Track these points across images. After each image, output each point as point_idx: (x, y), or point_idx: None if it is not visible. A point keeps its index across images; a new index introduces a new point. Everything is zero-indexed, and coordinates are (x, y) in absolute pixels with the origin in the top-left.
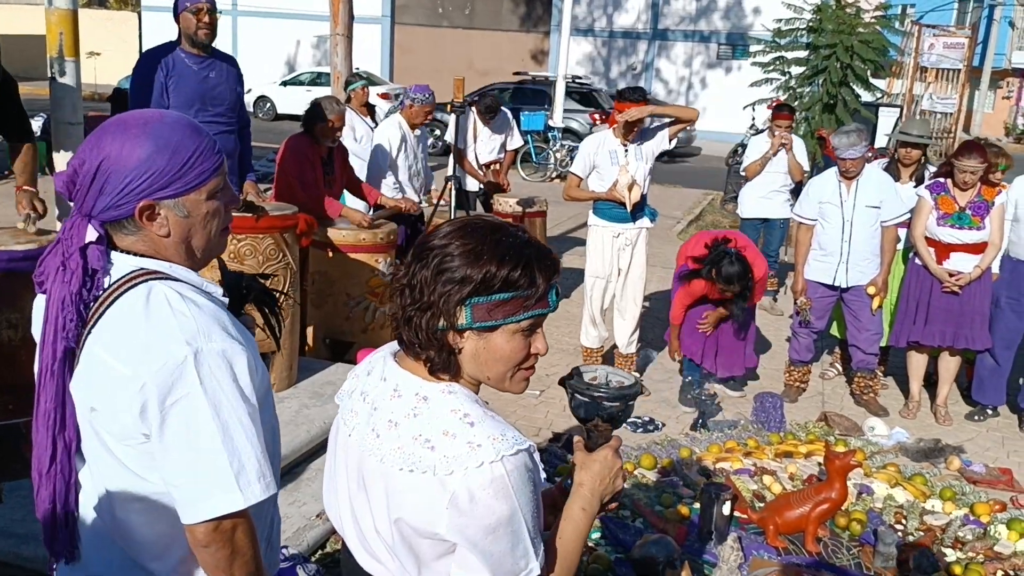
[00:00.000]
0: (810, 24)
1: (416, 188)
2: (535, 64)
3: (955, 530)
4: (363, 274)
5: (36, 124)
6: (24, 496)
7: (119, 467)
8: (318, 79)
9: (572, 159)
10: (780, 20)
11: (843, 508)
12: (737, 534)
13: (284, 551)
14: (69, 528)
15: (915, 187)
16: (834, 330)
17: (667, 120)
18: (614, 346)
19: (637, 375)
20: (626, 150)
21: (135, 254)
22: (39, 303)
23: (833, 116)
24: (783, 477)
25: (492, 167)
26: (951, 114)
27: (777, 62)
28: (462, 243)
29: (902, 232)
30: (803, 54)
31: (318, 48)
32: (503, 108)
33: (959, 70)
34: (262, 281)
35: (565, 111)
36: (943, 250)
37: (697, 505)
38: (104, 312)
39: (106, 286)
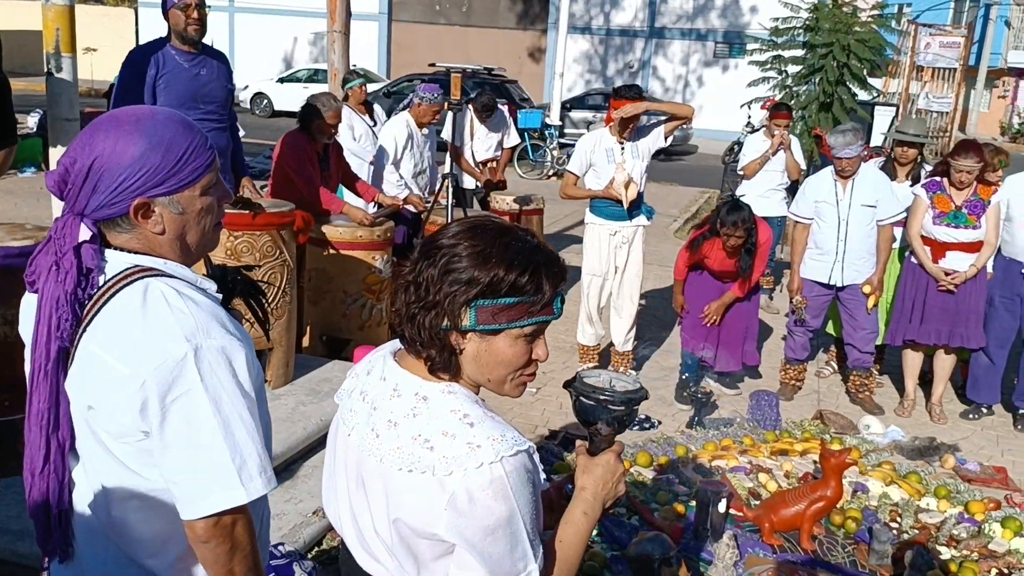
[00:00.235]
0: (807, 23)
1: (421, 186)
2: (532, 62)
3: (950, 528)
4: (360, 271)
5: (32, 120)
6: (19, 492)
7: (116, 464)
8: (315, 76)
9: (568, 157)
10: (777, 19)
11: (838, 506)
12: (733, 532)
13: (280, 548)
14: (63, 527)
15: (911, 186)
16: (830, 328)
17: (663, 118)
18: (611, 344)
19: (639, 381)
20: (622, 148)
21: (129, 251)
22: (29, 302)
23: (829, 115)
24: (779, 475)
25: (489, 165)
26: (947, 113)
27: (774, 61)
28: (471, 244)
29: (898, 231)
30: (800, 53)
31: (315, 45)
32: (500, 106)
33: (955, 69)
34: (246, 273)
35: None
36: (939, 249)
37: (693, 503)
38: (99, 310)
39: (100, 284)
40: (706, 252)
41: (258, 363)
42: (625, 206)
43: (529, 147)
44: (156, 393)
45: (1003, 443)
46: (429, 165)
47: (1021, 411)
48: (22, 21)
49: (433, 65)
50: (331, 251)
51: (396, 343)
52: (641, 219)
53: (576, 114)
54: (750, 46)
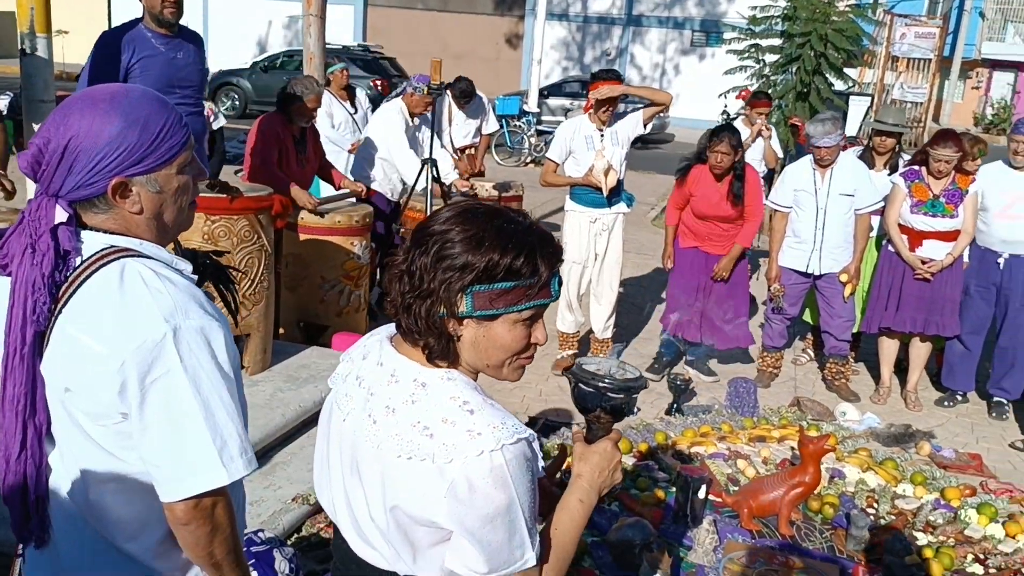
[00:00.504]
0: (785, 12)
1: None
2: (510, 48)
3: (926, 514)
4: (338, 257)
5: (2, 103)
6: None
7: (93, 447)
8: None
9: (546, 144)
10: (755, 7)
11: (816, 492)
12: (712, 517)
13: (260, 535)
14: (39, 513)
15: (889, 175)
16: (807, 316)
17: (641, 104)
18: (590, 331)
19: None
20: (602, 135)
21: (104, 232)
22: (1, 285)
23: (806, 104)
24: (757, 461)
25: (467, 151)
26: (921, 103)
27: (752, 50)
28: (463, 229)
29: (875, 220)
30: (777, 42)
31: (289, 29)
32: (479, 93)
33: (930, 60)
34: (216, 258)
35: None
36: (916, 237)
37: (673, 489)
38: (75, 292)
39: (76, 265)
40: (694, 188)
41: (235, 344)
42: (605, 193)
43: (507, 134)
44: (135, 374)
45: (977, 430)
46: (418, 155)
47: (995, 399)
48: None
49: None
50: (308, 236)
51: (392, 327)
52: (621, 206)
53: (553, 101)
54: (727, 35)
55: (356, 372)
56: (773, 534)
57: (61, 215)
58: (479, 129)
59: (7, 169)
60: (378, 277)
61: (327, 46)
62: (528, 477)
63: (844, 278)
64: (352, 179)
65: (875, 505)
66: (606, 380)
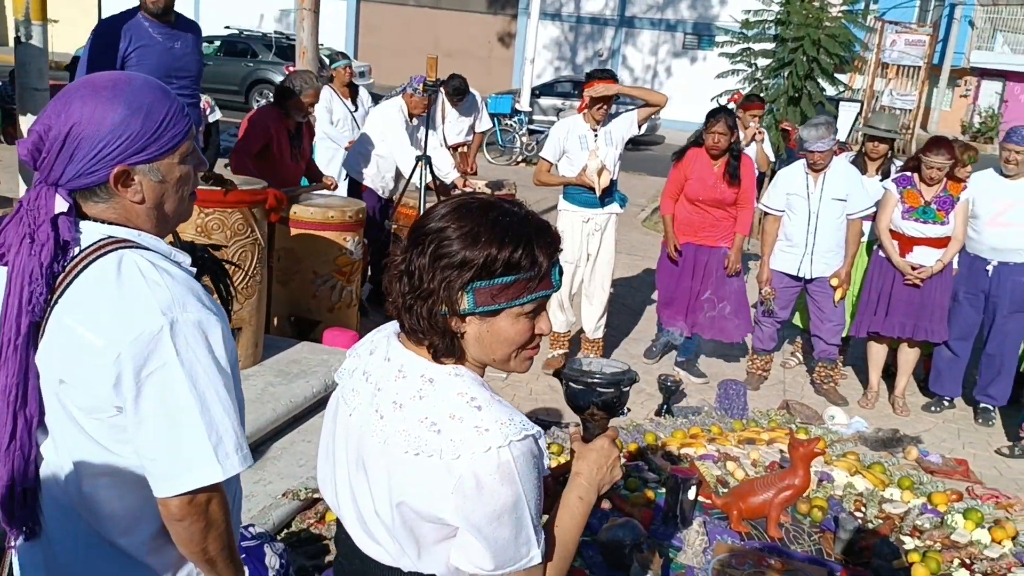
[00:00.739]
0: (778, 16)
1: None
2: (502, 47)
3: (913, 519)
4: (330, 252)
5: None
6: None
7: (87, 440)
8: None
9: (538, 143)
10: (748, 11)
11: (805, 495)
12: (702, 518)
13: (251, 530)
14: (29, 505)
15: (881, 180)
16: (796, 320)
17: (635, 105)
18: (580, 331)
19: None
20: (596, 135)
21: (103, 222)
22: None
23: (798, 109)
24: (746, 463)
25: (460, 149)
26: (910, 110)
27: (744, 53)
28: (458, 225)
29: (866, 225)
30: (770, 46)
31: (280, 22)
32: (472, 90)
33: (919, 67)
34: (214, 252)
35: (264, 63)
36: (907, 243)
37: (663, 490)
38: (72, 282)
39: (73, 255)
40: (690, 170)
41: (232, 339)
42: (598, 193)
43: (499, 132)
44: (131, 367)
45: (964, 436)
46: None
47: (982, 405)
48: None
49: (228, 28)
50: (301, 231)
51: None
52: (614, 206)
53: (545, 101)
54: (719, 38)
55: (363, 367)
56: (762, 536)
57: (61, 204)
58: (472, 127)
59: None
60: (370, 273)
61: (246, 32)
62: (535, 474)
63: (835, 282)
64: (342, 174)
65: (863, 509)
66: (596, 376)
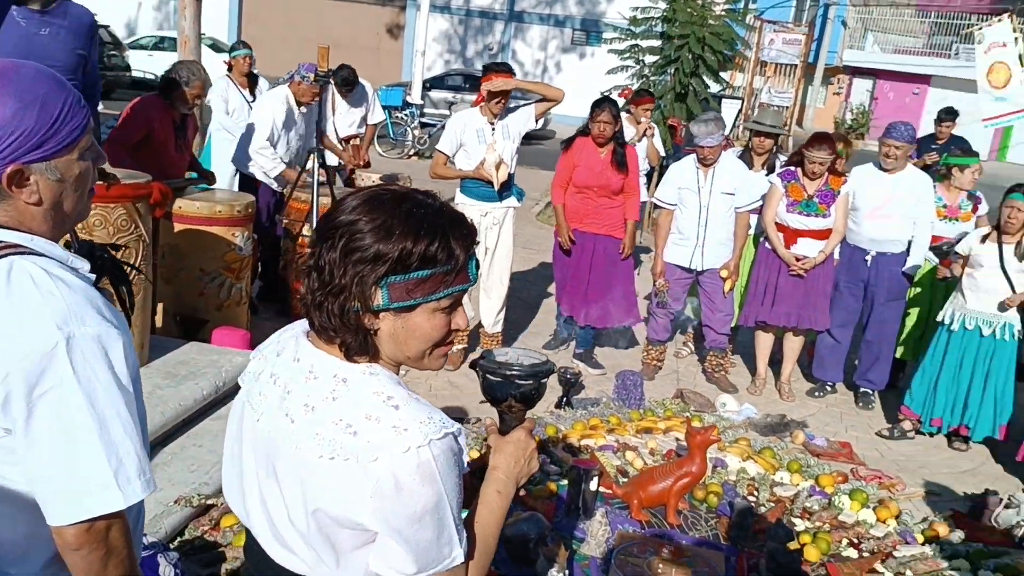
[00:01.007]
0: (664, 14)
1: (293, 166)
2: (391, 38)
3: (803, 501)
4: (218, 248)
5: None
6: None
7: None
8: (161, 43)
9: (430, 137)
10: (636, 9)
11: (701, 481)
12: (604, 509)
13: (144, 539)
14: None
15: (767, 175)
16: (689, 311)
17: (528, 100)
18: (479, 325)
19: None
20: (493, 128)
21: None
22: None
23: (684, 105)
24: (644, 452)
25: (352, 142)
26: (787, 107)
27: (632, 50)
28: (371, 218)
29: (753, 218)
30: (657, 43)
31: (159, 11)
32: (361, 81)
33: (796, 65)
34: (113, 253)
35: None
36: (791, 235)
37: (564, 482)
38: None
39: None
40: (578, 158)
41: (134, 353)
42: (496, 187)
43: (390, 125)
44: (21, 387)
45: (846, 419)
46: (304, 145)
47: (862, 389)
48: None
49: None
50: (187, 227)
51: (306, 321)
52: (511, 200)
53: (436, 94)
54: (607, 35)
55: (270, 369)
56: (662, 524)
57: None
58: (364, 119)
59: None
60: (260, 270)
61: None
62: (456, 472)
63: (724, 274)
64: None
65: (755, 493)
66: (514, 368)
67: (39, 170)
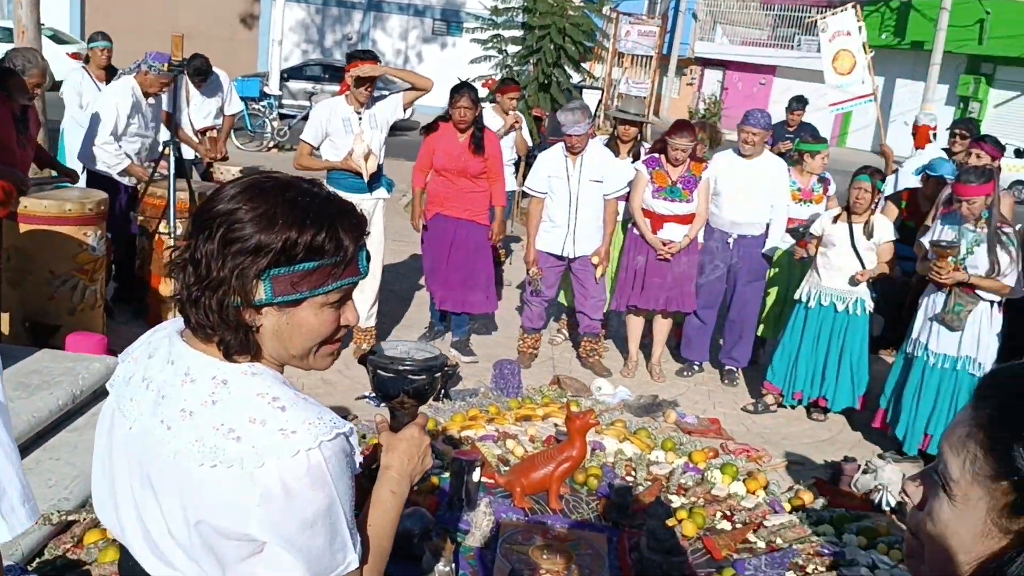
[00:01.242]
0: (525, 4)
1: (142, 160)
2: (245, 28)
3: (678, 478)
4: (69, 249)
5: None
6: None
7: None
8: None
9: (289, 128)
10: None
11: (581, 465)
12: (487, 499)
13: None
14: None
15: (633, 162)
16: (562, 298)
17: (393, 89)
18: None
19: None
20: (360, 118)
21: None
22: None
23: (548, 95)
24: (524, 440)
25: (208, 134)
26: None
27: (494, 40)
28: (252, 207)
29: (622, 205)
30: (519, 33)
31: None
32: (216, 71)
33: (651, 57)
34: None
35: None
36: (658, 221)
37: (446, 474)
38: None
39: None
40: (438, 143)
41: (1, 370)
42: (365, 178)
43: (247, 117)
44: None
45: (714, 396)
46: (153, 137)
47: (727, 367)
48: None
49: None
50: (34, 227)
51: (180, 320)
52: (381, 192)
53: (295, 84)
54: (468, 24)
55: (142, 373)
56: (545, 509)
57: None
58: (220, 110)
59: None
60: (114, 271)
61: None
62: (348, 474)
63: (595, 260)
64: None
65: (633, 473)
66: (407, 363)
67: None
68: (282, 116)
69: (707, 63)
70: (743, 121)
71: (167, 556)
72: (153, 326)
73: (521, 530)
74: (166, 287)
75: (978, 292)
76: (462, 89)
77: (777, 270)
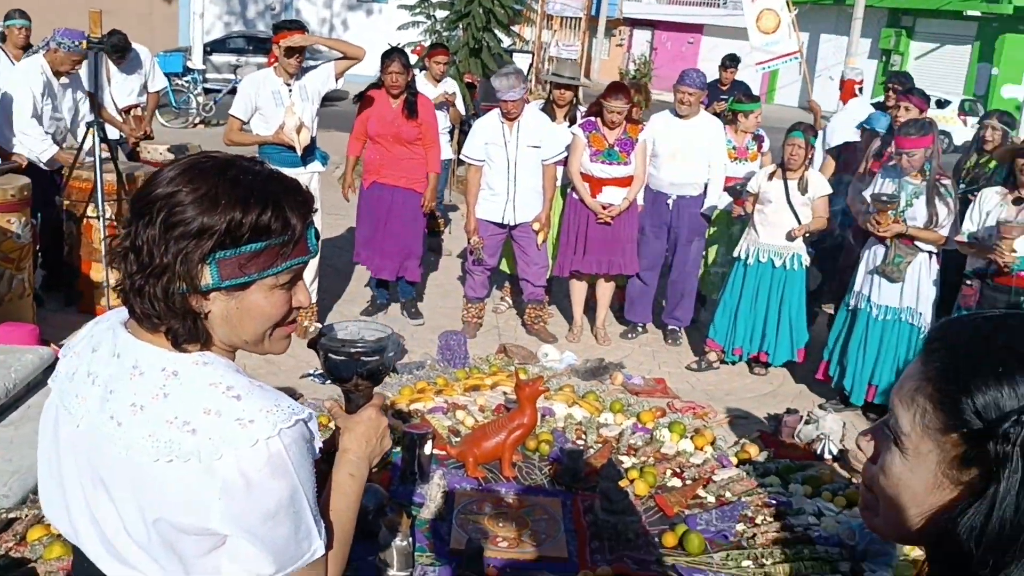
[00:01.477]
0: None
1: (59, 142)
2: (163, 2)
3: (627, 438)
4: None
5: None
6: None
7: None
8: None
9: (215, 103)
10: None
11: (533, 432)
12: (440, 471)
13: None
14: None
15: (570, 126)
16: (504, 266)
17: (323, 60)
18: None
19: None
20: (290, 90)
21: None
22: None
23: (479, 61)
24: (474, 410)
25: (133, 112)
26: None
27: (423, 5)
28: (192, 188)
29: (560, 170)
30: None
31: None
32: (136, 46)
33: (580, 18)
34: None
35: None
36: (596, 184)
37: (398, 449)
38: None
39: None
40: (371, 110)
41: None
42: (299, 152)
43: (171, 93)
44: None
45: (658, 357)
46: (70, 119)
47: (670, 327)
48: None
49: None
50: None
51: (123, 310)
52: (316, 165)
53: (219, 58)
54: None
55: (86, 368)
56: (498, 478)
57: None
58: (144, 87)
59: None
60: (41, 258)
61: None
62: (309, 460)
63: (536, 226)
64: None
65: (583, 436)
66: (359, 344)
67: None
68: (207, 91)
69: (635, 23)
70: (679, 81)
71: (124, 556)
72: (85, 313)
73: (475, 500)
74: (97, 272)
75: (917, 243)
76: (392, 54)
77: (716, 229)
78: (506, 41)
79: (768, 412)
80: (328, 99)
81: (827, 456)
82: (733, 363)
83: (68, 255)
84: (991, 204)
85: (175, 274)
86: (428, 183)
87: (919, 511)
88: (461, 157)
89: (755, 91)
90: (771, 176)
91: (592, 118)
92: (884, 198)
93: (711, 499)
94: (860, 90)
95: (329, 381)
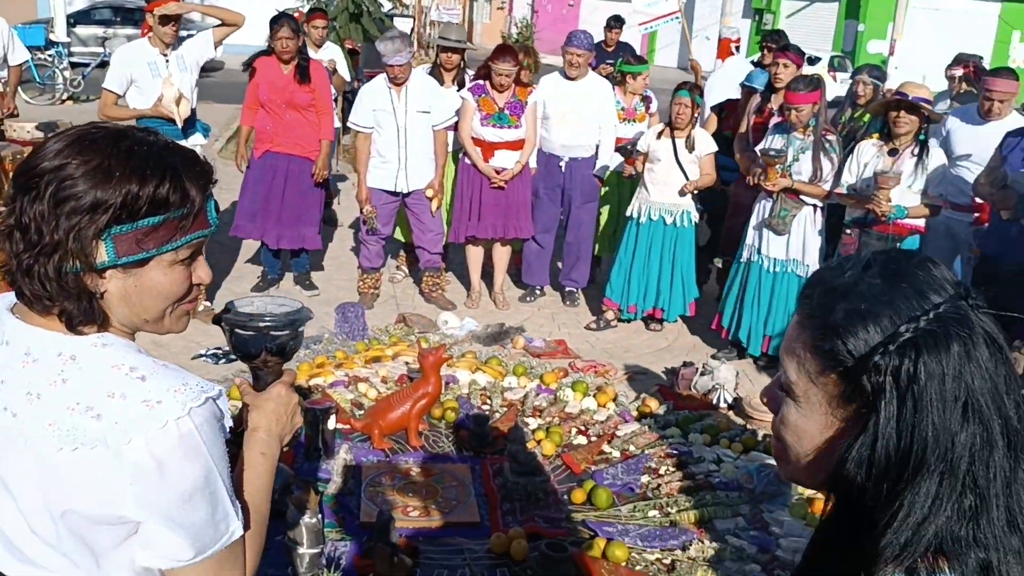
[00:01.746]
0: None
1: None
2: None
3: (532, 401)
4: None
5: None
6: None
7: None
8: None
9: (84, 78)
10: None
11: (438, 400)
12: (345, 445)
13: None
14: None
15: (458, 91)
16: (398, 234)
17: (210, 26)
18: None
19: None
20: (167, 60)
21: None
22: None
23: (359, 26)
24: (376, 382)
25: None
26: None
27: None
28: (83, 160)
29: (451, 135)
30: None
31: None
32: None
33: None
34: None
35: None
36: (488, 149)
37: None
38: None
39: None
40: (262, 76)
41: None
42: (179, 124)
43: (34, 68)
44: None
45: (557, 319)
46: None
47: (567, 289)
48: None
49: None
50: None
51: (10, 296)
52: (198, 138)
53: (84, 30)
54: None
55: None
56: (405, 448)
57: None
58: (4, 60)
59: None
60: None
61: None
62: (221, 439)
63: (430, 193)
64: None
65: (488, 401)
66: (266, 319)
67: None
68: (73, 65)
69: None
70: (567, 43)
71: (29, 555)
72: None
73: (384, 471)
74: None
75: (802, 197)
76: (281, 19)
77: (608, 189)
78: (386, 5)
79: (665, 366)
80: (205, 69)
81: (723, 405)
82: (629, 321)
83: None
84: (868, 156)
85: (67, 252)
86: (321, 150)
87: (821, 454)
88: (348, 125)
89: (638, 52)
90: (659, 135)
91: (481, 82)
92: (772, 152)
93: (616, 454)
94: (737, 48)
95: (234, 358)
